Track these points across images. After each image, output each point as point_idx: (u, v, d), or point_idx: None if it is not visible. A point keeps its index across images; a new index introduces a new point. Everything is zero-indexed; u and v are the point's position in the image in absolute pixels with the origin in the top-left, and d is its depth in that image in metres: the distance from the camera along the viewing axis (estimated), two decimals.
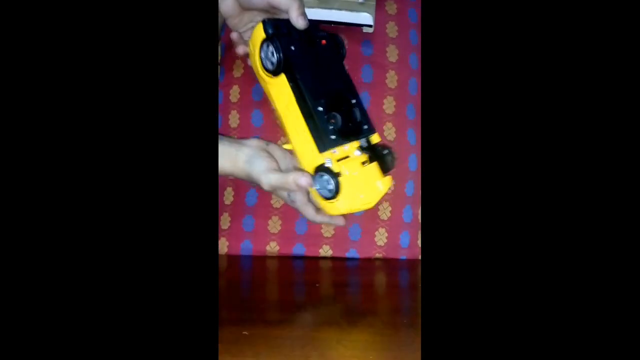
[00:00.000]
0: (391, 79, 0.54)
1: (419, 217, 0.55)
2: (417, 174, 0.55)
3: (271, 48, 0.42)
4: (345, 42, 0.54)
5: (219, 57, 0.59)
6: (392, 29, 0.55)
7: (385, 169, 0.45)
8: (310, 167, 0.43)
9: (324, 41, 0.46)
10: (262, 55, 0.44)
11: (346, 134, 0.43)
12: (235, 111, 0.54)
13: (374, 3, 0.53)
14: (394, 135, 0.53)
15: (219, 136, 0.46)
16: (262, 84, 0.46)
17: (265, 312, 0.35)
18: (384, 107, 0.54)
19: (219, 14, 0.48)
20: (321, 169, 0.42)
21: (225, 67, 0.56)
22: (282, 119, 0.45)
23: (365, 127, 0.45)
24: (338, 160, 0.42)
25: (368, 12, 0.52)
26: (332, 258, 0.51)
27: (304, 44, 0.44)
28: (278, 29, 0.43)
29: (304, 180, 0.41)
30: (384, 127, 0.53)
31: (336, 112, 0.43)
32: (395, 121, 0.54)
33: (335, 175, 0.41)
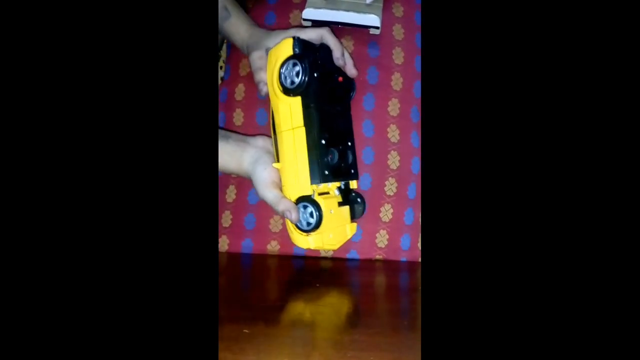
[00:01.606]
0: (396, 81, 0.54)
1: (421, 219, 0.55)
2: (419, 177, 0.55)
3: (297, 68, 0.42)
4: (352, 42, 0.54)
5: (225, 55, 0.59)
6: (398, 32, 0.55)
7: (352, 216, 0.47)
8: (294, 194, 0.43)
9: (340, 78, 0.47)
10: (284, 71, 0.43)
11: (337, 173, 0.44)
12: (239, 109, 0.54)
13: (380, 5, 0.54)
14: (398, 138, 0.53)
15: (226, 133, 0.46)
16: (272, 97, 0.46)
17: (266, 310, 0.35)
18: (389, 109, 0.54)
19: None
20: (306, 200, 0.42)
21: (231, 65, 0.56)
22: (281, 138, 0.44)
23: (352, 171, 0.47)
24: (320, 194, 0.43)
25: (375, 14, 0.52)
26: (333, 258, 0.52)
27: (325, 73, 0.44)
28: (307, 51, 0.43)
29: (293, 215, 0.42)
30: (388, 130, 0.53)
31: (335, 149, 0.44)
32: (400, 123, 0.54)
33: (320, 210, 0.41)
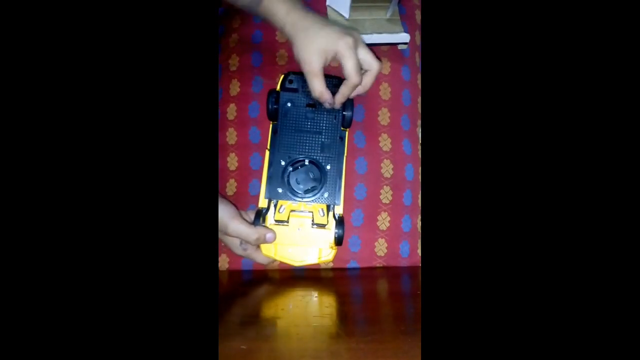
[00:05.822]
0: (384, 90, 0.55)
1: (418, 226, 0.55)
2: (414, 184, 0.55)
3: (271, 98, 0.50)
4: None
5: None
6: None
7: (337, 242, 0.48)
8: (261, 205, 0.50)
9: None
10: (270, 99, 0.50)
11: (295, 193, 0.49)
12: (232, 128, 0.55)
13: (398, 18, 0.56)
14: (390, 146, 0.54)
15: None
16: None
17: (263, 325, 0.35)
18: (379, 118, 0.54)
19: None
20: (258, 213, 0.48)
21: (222, 86, 0.57)
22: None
23: (326, 194, 0.49)
24: (292, 211, 0.49)
25: (399, 29, 0.55)
26: (333, 269, 0.52)
27: (305, 102, 0.50)
28: (291, 84, 0.50)
29: (271, 236, 0.47)
30: (380, 139, 0.54)
31: (296, 171, 0.49)
32: (391, 132, 0.54)
33: (257, 220, 0.48)
